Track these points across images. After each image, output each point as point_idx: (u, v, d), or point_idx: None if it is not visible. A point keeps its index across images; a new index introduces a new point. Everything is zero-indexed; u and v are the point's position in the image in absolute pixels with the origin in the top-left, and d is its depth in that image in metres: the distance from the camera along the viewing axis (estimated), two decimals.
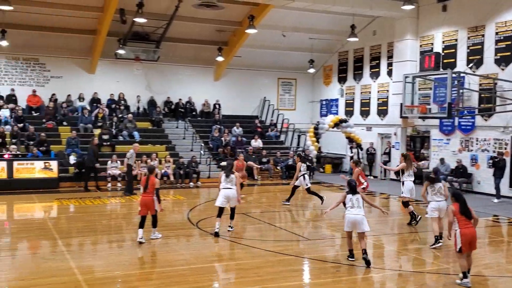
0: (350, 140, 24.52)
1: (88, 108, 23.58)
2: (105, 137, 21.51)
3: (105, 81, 24.69)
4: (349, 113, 26.27)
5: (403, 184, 13.29)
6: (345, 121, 24.51)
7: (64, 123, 22.66)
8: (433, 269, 9.67)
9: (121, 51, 23.33)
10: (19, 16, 20.84)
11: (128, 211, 15.30)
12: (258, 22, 22.44)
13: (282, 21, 23.99)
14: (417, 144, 23.08)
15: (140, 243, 10.74)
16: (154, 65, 25.05)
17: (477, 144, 19.41)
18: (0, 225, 13.29)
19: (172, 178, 20.41)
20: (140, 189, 11.30)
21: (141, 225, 10.88)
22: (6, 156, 18.74)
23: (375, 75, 24.79)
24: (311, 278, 9.15)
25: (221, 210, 11.61)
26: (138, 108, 25.24)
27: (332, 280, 8.78)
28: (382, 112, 24.27)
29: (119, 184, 19.26)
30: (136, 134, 22.74)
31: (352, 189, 9.65)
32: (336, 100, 27.35)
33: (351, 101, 26.35)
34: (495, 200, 17.44)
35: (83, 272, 8.83)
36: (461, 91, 18.87)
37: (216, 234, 11.45)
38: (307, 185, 15.95)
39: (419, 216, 13.15)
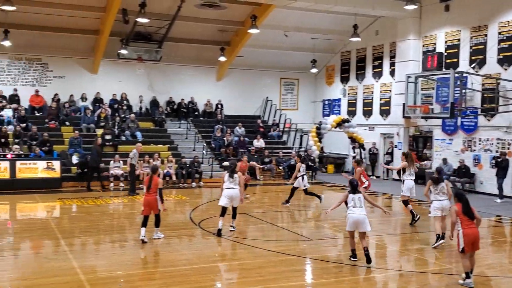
0: (353, 140, 24.48)
1: (91, 108, 23.62)
2: (108, 137, 21.53)
3: (108, 81, 24.73)
4: (352, 113, 26.24)
5: (403, 182, 13.39)
6: (348, 121, 24.47)
7: (67, 123, 22.70)
8: (435, 269, 9.65)
9: (123, 51, 23.36)
10: (22, 16, 20.87)
11: (131, 211, 15.31)
12: (261, 22, 22.45)
13: (285, 21, 23.99)
14: (419, 144, 23.08)
15: (143, 241, 10.75)
16: (156, 65, 25.07)
17: (479, 144, 19.37)
18: (3, 225, 13.32)
19: (174, 178, 20.39)
20: (143, 189, 11.32)
21: (144, 225, 10.90)
22: (9, 156, 18.79)
23: (377, 75, 24.76)
24: (313, 278, 9.14)
25: (224, 209, 11.66)
26: (141, 108, 25.27)
27: (335, 280, 8.76)
28: (385, 112, 24.24)
29: (121, 184, 19.28)
30: (138, 134, 22.78)
31: (354, 188, 9.65)
32: (339, 100, 27.33)
33: (354, 101, 26.32)
34: (498, 200, 17.41)
35: (85, 271, 8.84)
36: (463, 91, 18.85)
37: (219, 232, 11.50)
38: (305, 186, 15.91)
39: (418, 216, 13.15)
